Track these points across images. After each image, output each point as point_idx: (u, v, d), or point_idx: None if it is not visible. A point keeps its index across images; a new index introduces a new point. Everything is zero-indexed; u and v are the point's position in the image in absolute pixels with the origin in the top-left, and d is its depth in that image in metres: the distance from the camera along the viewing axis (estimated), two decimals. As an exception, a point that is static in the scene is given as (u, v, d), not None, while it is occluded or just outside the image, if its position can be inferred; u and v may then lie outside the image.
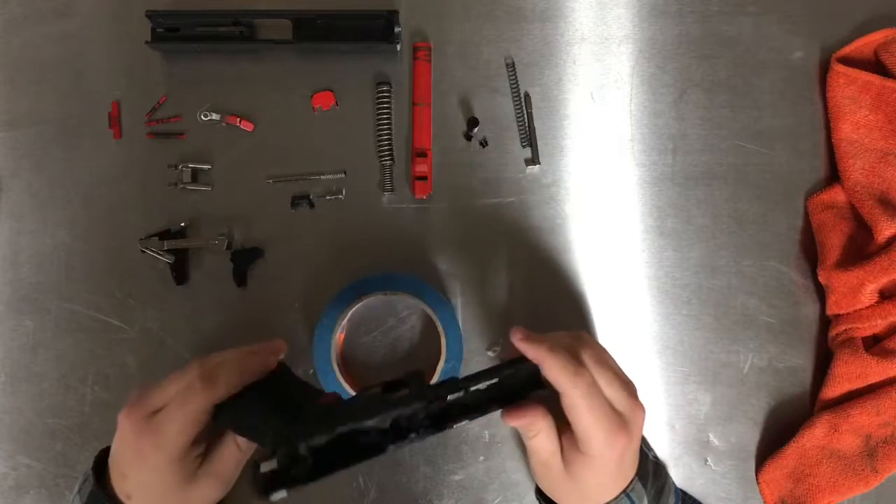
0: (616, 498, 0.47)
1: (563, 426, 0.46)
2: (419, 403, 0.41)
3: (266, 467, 0.38)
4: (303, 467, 0.39)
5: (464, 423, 0.43)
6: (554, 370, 0.44)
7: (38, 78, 0.62)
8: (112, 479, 0.48)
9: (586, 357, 0.46)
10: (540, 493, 0.52)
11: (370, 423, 0.40)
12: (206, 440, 0.49)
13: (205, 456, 0.49)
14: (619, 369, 0.49)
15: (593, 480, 0.46)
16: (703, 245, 0.61)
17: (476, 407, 0.44)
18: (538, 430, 0.46)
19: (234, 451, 0.49)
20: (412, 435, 0.41)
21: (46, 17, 0.62)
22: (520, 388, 0.45)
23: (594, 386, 0.44)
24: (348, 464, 0.40)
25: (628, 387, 0.47)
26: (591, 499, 0.47)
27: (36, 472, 0.58)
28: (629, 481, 0.47)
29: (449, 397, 0.42)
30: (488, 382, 0.44)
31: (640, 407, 0.47)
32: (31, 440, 0.58)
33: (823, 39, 0.63)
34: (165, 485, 0.47)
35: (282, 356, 0.51)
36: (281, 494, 0.38)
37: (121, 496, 0.48)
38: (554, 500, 0.50)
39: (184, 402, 0.46)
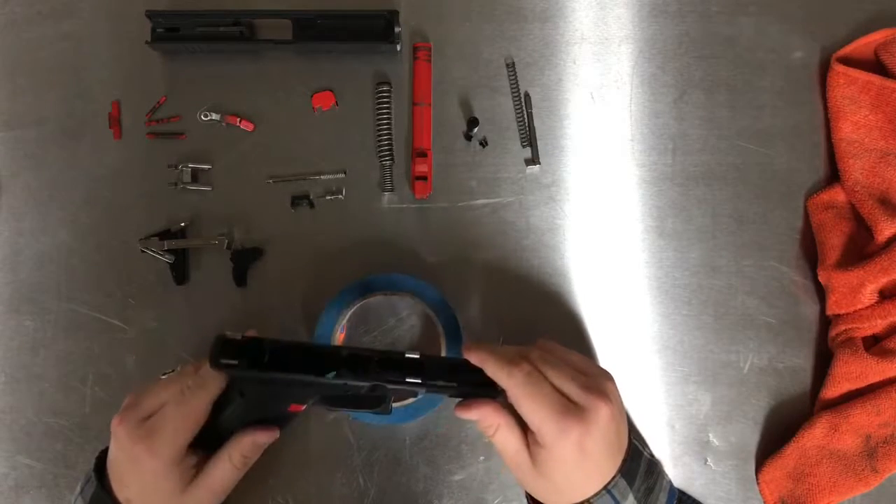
0: (597, 493, 0.47)
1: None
2: (380, 377, 0.47)
3: (230, 335, 0.46)
4: (258, 355, 0.46)
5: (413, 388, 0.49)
6: (491, 368, 0.47)
7: (38, 78, 0.62)
8: (112, 484, 0.48)
9: (533, 355, 0.48)
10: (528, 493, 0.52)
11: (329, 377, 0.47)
12: (201, 453, 0.49)
13: (200, 468, 0.49)
14: (582, 363, 0.49)
15: (560, 474, 0.46)
16: (703, 245, 0.61)
17: (432, 388, 0.49)
18: (494, 426, 0.47)
19: (228, 465, 0.49)
20: (363, 383, 0.48)
21: (46, 17, 0.62)
22: (477, 385, 0.49)
23: (532, 375, 0.46)
24: (296, 371, 0.47)
25: (588, 378, 0.47)
26: (567, 493, 0.47)
27: (36, 472, 0.58)
28: (610, 477, 0.47)
29: (407, 379, 0.48)
30: (449, 382, 0.49)
31: (601, 397, 0.46)
32: (31, 440, 0.58)
33: (823, 39, 0.63)
34: (162, 491, 0.47)
35: None
36: (229, 361, 0.46)
37: (122, 501, 0.48)
38: (537, 498, 0.50)
39: (182, 401, 0.47)
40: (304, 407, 0.50)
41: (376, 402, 0.50)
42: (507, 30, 0.63)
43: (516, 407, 0.46)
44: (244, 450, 0.49)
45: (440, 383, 0.49)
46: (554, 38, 0.63)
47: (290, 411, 0.50)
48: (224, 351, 0.46)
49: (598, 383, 0.47)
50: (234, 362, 0.46)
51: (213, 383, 0.48)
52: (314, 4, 0.60)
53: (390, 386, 0.48)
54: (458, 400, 0.50)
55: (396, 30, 0.60)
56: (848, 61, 0.61)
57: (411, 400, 0.55)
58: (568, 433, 0.45)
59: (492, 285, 0.60)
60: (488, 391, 0.48)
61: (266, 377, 0.47)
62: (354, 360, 0.48)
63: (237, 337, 0.47)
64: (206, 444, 0.48)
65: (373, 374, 0.47)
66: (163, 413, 0.47)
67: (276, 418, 0.51)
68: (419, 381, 0.48)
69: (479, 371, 0.48)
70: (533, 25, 0.63)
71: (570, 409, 0.45)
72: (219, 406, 0.49)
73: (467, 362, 0.49)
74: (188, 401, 0.47)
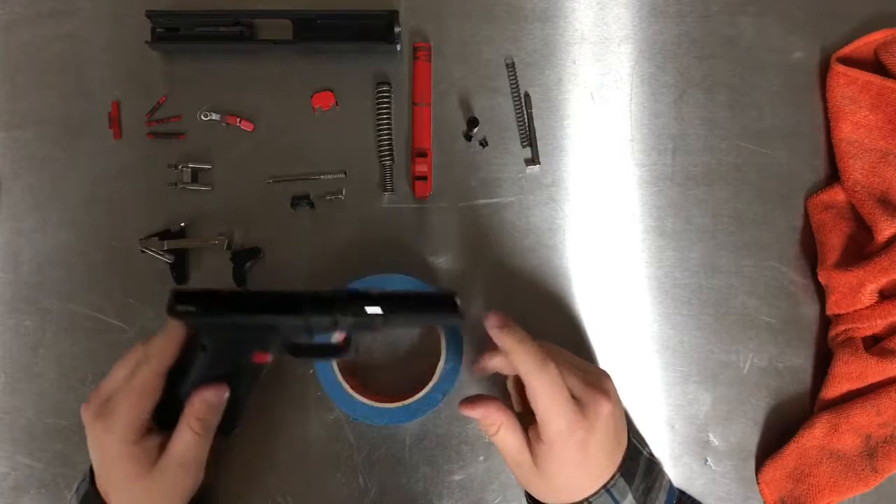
0: (596, 493, 0.47)
1: (529, 423, 0.48)
2: (339, 315, 0.48)
3: (185, 287, 0.46)
4: (214, 301, 0.47)
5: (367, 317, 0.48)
6: (521, 360, 0.47)
7: (38, 78, 0.62)
8: (95, 477, 0.49)
9: (546, 349, 0.49)
10: (528, 493, 0.52)
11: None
12: (163, 434, 0.49)
13: (164, 447, 0.49)
14: (581, 363, 0.51)
15: (562, 473, 0.47)
16: (703, 245, 0.61)
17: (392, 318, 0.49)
18: (497, 423, 0.48)
19: (189, 433, 0.48)
20: (323, 317, 0.48)
21: (46, 17, 0.62)
22: (437, 309, 0.49)
23: (560, 377, 0.46)
24: (254, 312, 0.47)
25: (589, 376, 0.48)
26: (567, 493, 0.48)
27: (36, 472, 0.58)
28: (609, 477, 0.47)
29: (367, 309, 0.48)
30: (409, 311, 0.49)
31: (602, 394, 0.47)
32: (31, 440, 0.58)
33: (823, 39, 0.63)
34: (125, 473, 0.47)
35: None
36: (186, 308, 0.46)
37: (102, 493, 0.48)
38: (537, 497, 0.50)
39: (132, 376, 0.47)
40: (269, 357, 0.50)
41: (340, 349, 0.50)
42: (507, 30, 0.63)
43: (532, 398, 0.46)
44: (197, 412, 0.48)
45: (400, 312, 0.48)
46: (554, 38, 0.63)
47: (256, 363, 0.50)
48: (180, 299, 0.46)
49: (599, 381, 0.48)
50: (192, 308, 0.46)
51: (159, 352, 0.48)
52: (314, 4, 0.60)
53: (351, 319, 0.48)
54: (459, 399, 0.50)
55: (396, 30, 0.60)
56: (848, 61, 0.61)
57: (411, 400, 0.55)
58: (574, 430, 0.45)
59: (492, 285, 0.60)
60: (447, 317, 0.48)
61: (225, 321, 0.47)
62: (312, 297, 0.48)
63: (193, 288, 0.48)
64: (174, 422, 0.49)
65: (334, 309, 0.47)
66: (117, 392, 0.47)
67: (243, 373, 0.50)
68: (378, 310, 0.47)
69: (439, 302, 0.48)
70: (533, 25, 0.63)
71: (579, 408, 0.46)
72: (181, 374, 0.49)
73: (428, 294, 0.49)
74: (137, 375, 0.47)
